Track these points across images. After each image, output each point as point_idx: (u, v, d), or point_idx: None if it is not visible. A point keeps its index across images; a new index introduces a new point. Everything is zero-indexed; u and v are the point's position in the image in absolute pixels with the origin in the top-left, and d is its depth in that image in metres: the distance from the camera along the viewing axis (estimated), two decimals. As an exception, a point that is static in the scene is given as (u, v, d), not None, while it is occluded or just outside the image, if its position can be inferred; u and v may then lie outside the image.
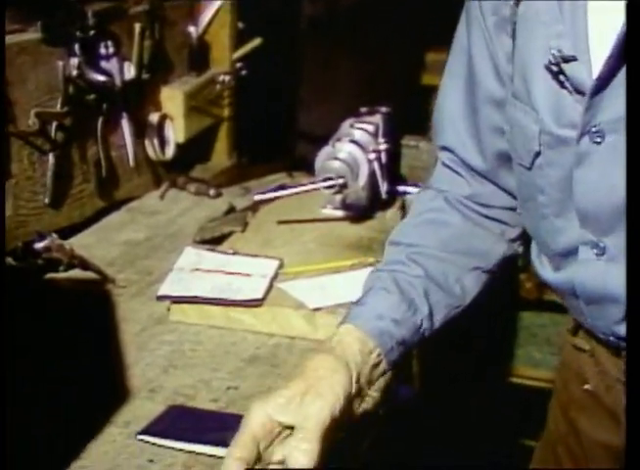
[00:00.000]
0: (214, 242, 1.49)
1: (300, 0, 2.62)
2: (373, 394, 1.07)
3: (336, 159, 1.49)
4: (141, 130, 1.69)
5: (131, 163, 1.66)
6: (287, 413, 0.80)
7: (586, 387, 0.99)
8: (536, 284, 2.18)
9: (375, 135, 1.60)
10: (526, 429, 1.20)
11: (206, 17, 1.88)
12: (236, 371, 1.12)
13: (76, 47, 1.45)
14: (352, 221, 1.58)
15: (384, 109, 1.72)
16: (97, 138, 1.54)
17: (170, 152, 1.77)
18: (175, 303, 1.25)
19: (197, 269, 1.33)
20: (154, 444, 0.95)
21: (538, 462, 1.15)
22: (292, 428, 0.80)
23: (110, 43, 1.55)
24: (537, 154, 0.88)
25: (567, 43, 0.82)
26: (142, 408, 1.02)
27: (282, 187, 1.61)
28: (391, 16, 2.96)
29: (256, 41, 1.98)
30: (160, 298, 1.26)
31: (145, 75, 1.66)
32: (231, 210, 1.68)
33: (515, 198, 0.97)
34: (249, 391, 1.07)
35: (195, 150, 1.89)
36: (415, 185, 1.73)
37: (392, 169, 1.71)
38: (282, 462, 0.80)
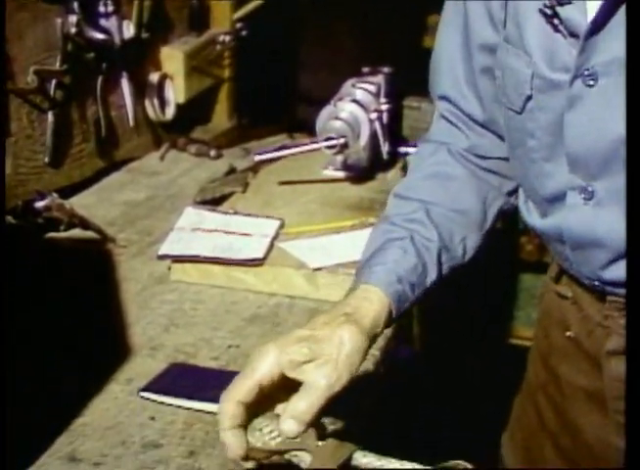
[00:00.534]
0: (215, 202, 1.48)
1: (302, -40, 2.58)
2: (374, 352, 1.08)
3: (337, 118, 1.48)
4: (141, 90, 1.68)
5: (131, 122, 1.65)
6: (300, 373, 0.79)
7: (568, 334, 0.99)
8: (537, 246, 2.18)
9: (377, 95, 1.59)
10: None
11: (207, -25, 1.86)
12: (237, 330, 1.12)
13: (75, 4, 1.44)
14: (353, 182, 1.57)
15: (386, 69, 1.70)
16: (96, 97, 1.53)
17: (170, 112, 1.76)
18: (176, 262, 1.25)
19: (197, 229, 1.32)
20: (155, 401, 0.95)
21: (518, 413, 1.16)
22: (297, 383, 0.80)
23: (109, 1, 1.53)
24: (528, 98, 0.88)
25: None
26: (143, 366, 1.02)
27: (283, 147, 1.60)
28: (394, -23, 2.93)
29: (257, 1, 1.96)
30: (161, 257, 1.26)
31: (144, 35, 1.64)
32: (231, 170, 1.67)
33: None
34: (249, 349, 1.07)
35: (195, 111, 1.88)
36: (416, 146, 1.72)
37: (394, 130, 1.70)
38: (277, 416, 0.79)
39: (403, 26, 3.12)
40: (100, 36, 1.51)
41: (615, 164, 0.81)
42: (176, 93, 1.76)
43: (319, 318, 0.84)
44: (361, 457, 0.77)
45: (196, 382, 0.98)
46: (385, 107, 1.58)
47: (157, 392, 0.96)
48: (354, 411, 0.96)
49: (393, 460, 0.76)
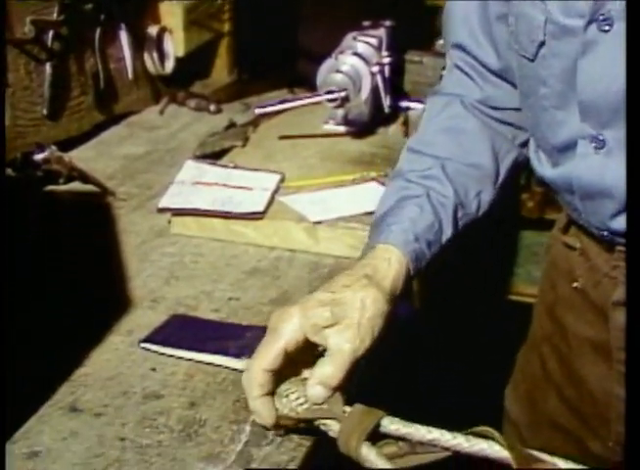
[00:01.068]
0: (215, 157, 1.47)
1: None
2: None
3: (338, 71, 1.47)
4: (140, 43, 1.67)
5: (130, 75, 1.64)
6: (322, 337, 0.79)
7: (575, 285, 0.99)
8: (538, 203, 2.18)
9: (378, 48, 1.58)
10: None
11: None
12: (237, 283, 1.12)
13: (73, -46, 1.42)
14: (354, 137, 1.56)
15: (387, 22, 1.69)
16: (95, 49, 1.52)
17: (170, 66, 1.75)
18: (176, 215, 1.24)
19: (197, 183, 1.31)
20: (156, 352, 0.95)
21: (522, 365, 1.16)
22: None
23: (107, -48, 1.51)
24: (541, 44, 0.87)
25: None
26: (144, 318, 1.02)
27: (284, 101, 1.58)
28: None
29: (257, -47, 1.93)
30: (161, 210, 1.25)
31: (143, -14, 1.62)
32: (231, 125, 1.66)
33: None
34: (250, 302, 1.07)
35: (195, 65, 1.86)
36: (418, 101, 1.71)
37: (396, 84, 1.68)
38: (302, 381, 0.80)
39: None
40: (97, -13, 1.49)
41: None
42: (175, 46, 1.74)
43: (339, 280, 0.84)
44: (389, 424, 0.76)
45: (197, 333, 0.98)
46: (386, 60, 1.57)
47: (157, 343, 0.96)
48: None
49: (421, 427, 0.75)
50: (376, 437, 0.77)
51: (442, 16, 1.03)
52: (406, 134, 1.58)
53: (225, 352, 0.93)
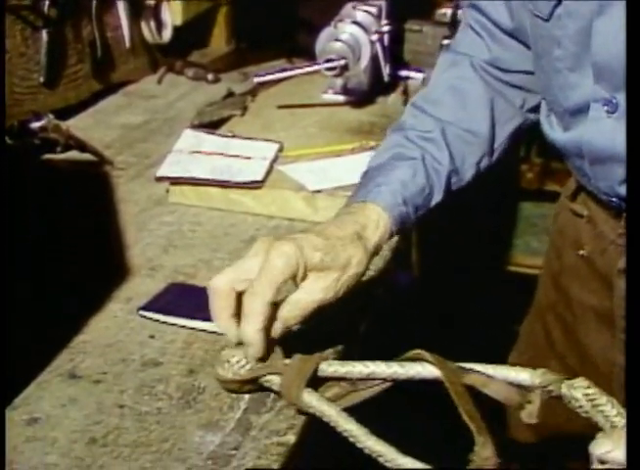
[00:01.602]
0: (213, 126, 1.46)
1: None
2: (371, 273, 1.07)
3: (337, 40, 1.46)
4: (137, 12, 1.65)
5: (127, 44, 1.62)
6: (301, 279, 0.81)
7: (581, 252, 0.99)
8: (537, 174, 2.17)
9: (378, 17, 1.56)
10: (523, 316, 1.21)
11: None
12: (236, 251, 1.11)
13: None
14: (353, 106, 1.55)
15: (387, -10, 1.66)
16: (91, 17, 1.50)
17: (167, 34, 1.73)
18: (174, 184, 1.24)
19: (196, 151, 1.31)
20: (155, 320, 0.95)
21: (526, 333, 1.16)
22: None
23: None
24: (557, 3, 0.86)
25: None
26: (142, 286, 1.02)
27: (282, 70, 1.57)
28: None
29: None
30: (159, 179, 1.24)
31: (140, -47, 1.60)
32: (230, 94, 1.65)
33: None
34: (249, 271, 1.07)
35: (192, 34, 1.85)
36: (418, 70, 1.70)
37: (395, 53, 1.67)
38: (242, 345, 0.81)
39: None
40: (94, -48, 1.47)
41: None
42: (173, 15, 1.73)
43: (332, 230, 0.85)
44: (327, 367, 0.79)
45: (195, 301, 0.98)
46: (386, 29, 1.55)
47: (156, 311, 0.96)
48: (351, 333, 0.96)
49: (357, 364, 0.78)
50: (319, 383, 0.79)
51: None
52: (406, 103, 1.57)
53: (224, 321, 0.93)
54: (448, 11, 1.78)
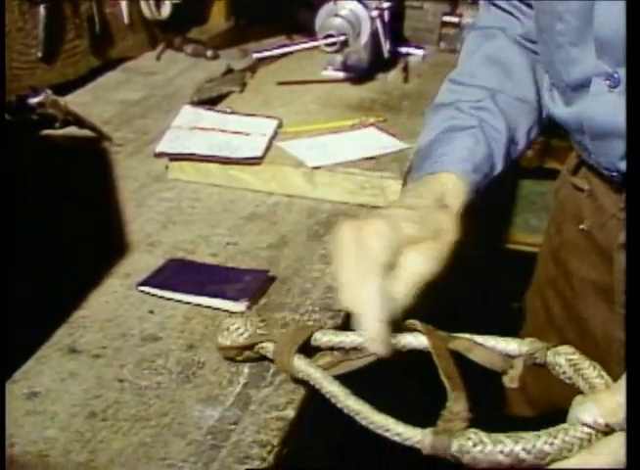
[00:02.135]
0: (212, 102, 1.46)
1: None
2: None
3: (337, 16, 1.45)
4: (135, -13, 1.64)
5: (126, 20, 1.62)
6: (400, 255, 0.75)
7: (581, 227, 0.99)
8: (537, 152, 2.16)
9: (378, -7, 1.55)
10: (522, 293, 1.21)
11: None
12: (235, 228, 1.11)
13: None
14: (353, 83, 1.54)
15: (387, -34, 1.65)
16: (90, -8, 1.49)
17: (166, 11, 1.72)
18: (173, 160, 1.23)
19: (195, 127, 1.30)
20: (154, 295, 0.95)
21: (527, 307, 1.17)
22: None
23: None
24: None
25: None
26: (142, 261, 1.02)
27: (282, 46, 1.56)
28: None
29: None
30: (158, 155, 1.24)
31: None
32: (229, 71, 1.64)
33: None
34: (247, 246, 1.07)
35: (191, 11, 1.83)
36: (418, 47, 1.69)
37: (395, 30, 1.66)
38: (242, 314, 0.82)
39: None
40: None
41: None
42: (172, -9, 1.71)
43: (413, 201, 0.81)
44: (322, 336, 0.79)
45: (194, 277, 0.98)
46: (386, 5, 1.54)
47: (155, 286, 0.96)
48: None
49: (351, 333, 0.78)
50: (314, 352, 0.79)
51: None
52: (406, 80, 1.57)
53: (223, 296, 0.93)
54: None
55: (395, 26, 1.68)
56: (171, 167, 1.23)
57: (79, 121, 1.29)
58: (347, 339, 0.78)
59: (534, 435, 0.66)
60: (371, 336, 0.73)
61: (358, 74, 1.55)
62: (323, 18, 1.46)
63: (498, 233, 2.29)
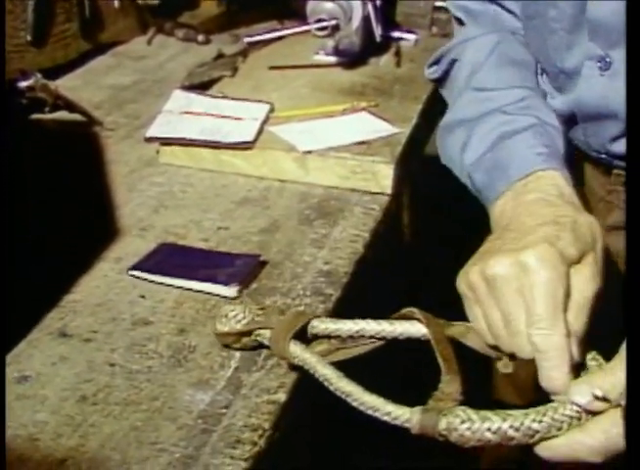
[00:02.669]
0: (203, 87, 1.45)
1: None
2: (364, 234, 1.07)
3: (328, 0, 1.44)
4: (126, -29, 1.63)
5: (116, 4, 1.60)
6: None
7: None
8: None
9: (370, -23, 1.54)
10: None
11: None
12: (226, 212, 1.11)
13: None
14: (345, 67, 1.54)
15: (380, -50, 1.64)
16: (80, -25, 1.48)
17: (157, -6, 1.71)
18: (164, 144, 1.23)
19: (186, 112, 1.29)
20: (145, 279, 0.95)
21: None
22: None
23: None
24: None
25: None
26: (132, 246, 1.02)
27: (273, 30, 1.56)
28: None
29: None
30: (149, 139, 1.23)
31: None
32: (220, 55, 1.63)
33: None
34: (239, 231, 1.07)
35: (183, -4, 1.83)
36: (410, 31, 1.69)
37: (387, 14, 1.65)
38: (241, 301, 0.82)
39: None
40: None
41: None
42: (163, -25, 1.70)
43: (548, 210, 0.71)
44: (319, 324, 0.79)
45: (186, 261, 0.98)
46: (378, -11, 1.53)
47: (146, 270, 0.95)
48: (341, 294, 0.96)
49: (348, 321, 0.78)
50: (311, 340, 0.80)
51: None
52: (398, 64, 1.56)
53: (214, 280, 0.93)
54: (441, -28, 1.76)
55: (387, 11, 1.68)
56: (162, 152, 1.23)
57: (69, 106, 1.29)
58: (345, 327, 0.79)
59: (523, 413, 0.66)
60: (563, 391, 0.66)
61: (350, 59, 1.55)
62: (314, 2, 1.45)
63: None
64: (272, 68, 1.52)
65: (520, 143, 0.81)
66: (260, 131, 1.25)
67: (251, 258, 0.98)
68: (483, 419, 0.66)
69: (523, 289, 0.66)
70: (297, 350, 0.78)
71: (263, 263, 0.99)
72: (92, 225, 1.05)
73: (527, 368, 0.70)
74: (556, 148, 0.81)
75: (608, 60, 0.83)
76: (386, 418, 0.69)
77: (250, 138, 1.22)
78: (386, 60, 1.59)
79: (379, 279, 1.21)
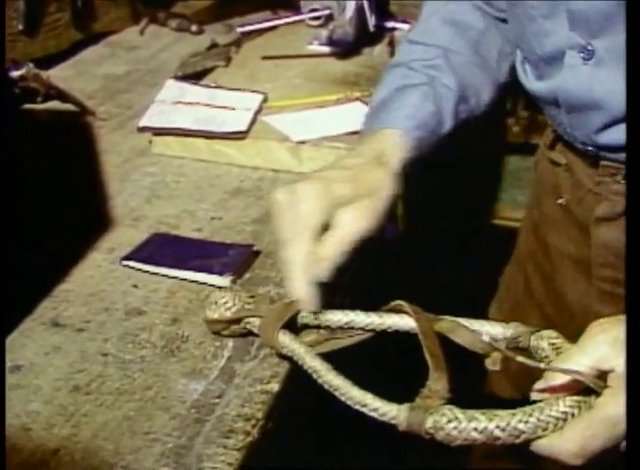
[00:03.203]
0: (196, 77, 1.44)
1: None
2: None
3: (322, -11, 1.44)
4: (118, -40, 1.62)
5: (109, -7, 1.60)
6: (334, 215, 0.78)
7: (559, 201, 0.99)
8: (523, 128, 2.16)
9: (363, -34, 1.54)
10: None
11: None
12: (220, 202, 1.11)
13: None
14: (339, 57, 1.53)
15: (373, -61, 1.64)
16: (72, -36, 1.48)
17: (150, -16, 1.70)
18: (157, 134, 1.22)
19: (179, 102, 1.29)
20: (138, 269, 0.95)
21: (507, 282, 1.17)
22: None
23: None
24: None
25: None
26: (126, 236, 1.01)
27: (266, 20, 1.55)
28: None
29: None
30: (141, 129, 1.23)
31: None
32: (214, 45, 1.63)
33: None
34: (232, 221, 1.06)
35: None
36: (404, 21, 1.68)
37: (381, 4, 1.65)
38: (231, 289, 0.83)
39: None
40: None
41: (617, 20, 0.78)
42: (156, -36, 1.70)
43: (349, 161, 0.83)
44: (309, 313, 0.79)
45: (179, 251, 0.98)
46: (371, -22, 1.53)
47: (139, 260, 0.95)
48: (335, 285, 0.96)
49: (338, 312, 0.79)
50: (300, 330, 0.80)
51: None
52: (391, 54, 1.56)
53: (208, 270, 0.93)
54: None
55: (381, 1, 1.67)
56: (155, 142, 1.22)
57: (62, 96, 1.28)
58: (334, 318, 0.79)
59: (509, 413, 0.66)
60: (298, 297, 0.77)
61: (344, 49, 1.54)
62: (308, -9, 1.45)
63: (485, 209, 2.30)
64: (265, 57, 1.52)
65: (403, 99, 0.90)
66: (254, 121, 1.25)
67: (244, 248, 0.98)
68: (470, 419, 0.66)
69: (286, 214, 0.77)
70: (285, 339, 0.78)
71: (257, 253, 0.98)
72: (85, 215, 1.05)
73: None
74: (429, 108, 0.90)
75: (590, 48, 0.82)
76: (373, 414, 0.69)
77: (243, 128, 1.22)
78: (379, 50, 1.59)
79: (370, 270, 1.21)
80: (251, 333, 0.82)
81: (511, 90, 1.05)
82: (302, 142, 1.19)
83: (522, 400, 0.68)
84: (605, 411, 0.63)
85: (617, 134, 0.83)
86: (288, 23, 1.48)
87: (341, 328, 0.79)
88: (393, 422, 0.68)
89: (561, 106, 0.88)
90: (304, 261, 0.76)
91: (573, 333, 0.85)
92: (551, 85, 0.88)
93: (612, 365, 0.64)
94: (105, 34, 1.64)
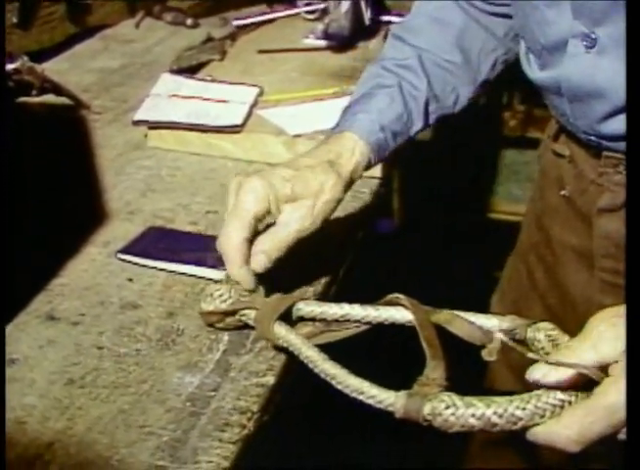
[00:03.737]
0: (192, 70, 1.44)
1: None
2: (350, 215, 1.07)
3: (318, -18, 1.43)
4: (113, -47, 1.61)
5: (103, -14, 1.59)
6: (278, 211, 0.82)
7: (562, 193, 1.00)
8: (519, 121, 2.16)
9: (359, -41, 1.53)
10: (504, 263, 1.21)
11: None
12: (215, 196, 1.11)
13: None
14: (335, 51, 1.53)
15: None
16: (67, -43, 1.47)
17: (145, -23, 1.70)
18: (152, 128, 1.22)
19: (174, 95, 1.29)
20: (133, 263, 0.94)
21: (510, 273, 1.17)
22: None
23: None
24: None
25: None
26: (121, 230, 1.01)
27: (262, 14, 1.55)
28: None
29: None
30: (136, 122, 1.23)
31: None
32: (209, 39, 1.62)
33: None
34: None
35: (170, -22, 1.81)
36: (400, 15, 1.68)
37: (377, -2, 1.65)
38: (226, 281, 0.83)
39: None
40: None
41: (620, 8, 0.78)
42: (151, -43, 1.69)
43: (302, 160, 0.86)
44: (305, 306, 0.80)
45: (174, 245, 0.97)
46: (367, -29, 1.53)
47: (134, 254, 0.95)
48: (330, 277, 0.96)
49: (334, 305, 0.79)
50: (296, 322, 0.80)
51: None
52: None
53: (203, 264, 0.93)
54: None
55: (377, -6, 1.67)
56: (150, 136, 1.22)
57: (57, 89, 1.28)
58: (330, 310, 0.79)
59: (507, 399, 0.66)
60: (238, 280, 0.81)
61: (339, 42, 1.54)
62: (304, -15, 1.45)
63: (481, 203, 2.30)
64: (261, 51, 1.51)
65: (371, 101, 0.93)
66: (249, 115, 1.24)
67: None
68: (468, 405, 0.66)
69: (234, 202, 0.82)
70: (281, 331, 0.78)
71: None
72: (80, 209, 1.05)
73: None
74: (396, 111, 0.93)
75: (593, 36, 0.82)
76: (370, 401, 0.69)
77: (238, 121, 1.21)
78: (375, 43, 1.58)
79: (367, 263, 1.21)
80: (246, 325, 0.82)
81: (507, 84, 1.05)
82: (298, 136, 1.19)
83: (523, 393, 0.68)
84: (605, 399, 0.63)
85: (620, 124, 0.83)
86: (283, 17, 1.47)
87: (336, 321, 0.79)
88: (391, 409, 0.68)
89: (564, 95, 0.88)
90: (237, 246, 0.80)
91: (576, 324, 0.86)
92: (554, 74, 0.88)
93: (616, 359, 0.64)
94: (100, 28, 1.64)
